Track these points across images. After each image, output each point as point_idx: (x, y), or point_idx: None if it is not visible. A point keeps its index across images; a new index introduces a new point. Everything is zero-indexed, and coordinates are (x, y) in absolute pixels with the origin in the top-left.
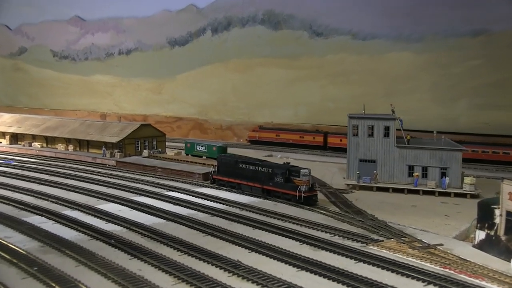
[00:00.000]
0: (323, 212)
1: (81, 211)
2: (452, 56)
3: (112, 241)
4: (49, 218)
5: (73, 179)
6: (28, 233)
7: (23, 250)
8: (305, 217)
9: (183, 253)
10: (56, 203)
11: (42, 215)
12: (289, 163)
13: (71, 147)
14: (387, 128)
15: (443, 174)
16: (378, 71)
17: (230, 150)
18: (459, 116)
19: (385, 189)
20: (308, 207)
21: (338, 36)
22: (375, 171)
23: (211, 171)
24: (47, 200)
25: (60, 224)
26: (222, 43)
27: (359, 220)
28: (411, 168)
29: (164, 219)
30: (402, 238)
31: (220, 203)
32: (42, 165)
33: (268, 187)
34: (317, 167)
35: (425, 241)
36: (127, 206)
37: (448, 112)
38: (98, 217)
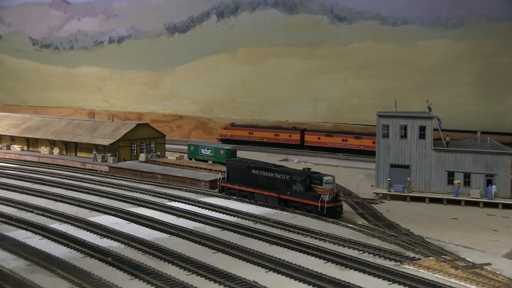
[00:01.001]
0: (349, 225)
1: (72, 224)
2: (498, 44)
3: (109, 259)
4: (35, 233)
5: (60, 187)
6: (13, 250)
7: (7, 269)
8: (329, 231)
9: (190, 273)
10: (42, 215)
11: (27, 229)
12: (310, 168)
13: (56, 151)
14: (422, 128)
15: (489, 182)
16: (410, 61)
17: (239, 154)
18: (507, 114)
19: (421, 199)
20: (332, 220)
21: (364, 21)
22: (408, 178)
23: (219, 178)
24: (32, 211)
25: (48, 239)
26: (229, 30)
27: (392, 235)
28: (451, 175)
29: (167, 233)
30: (443, 256)
31: (231, 215)
32: (23, 171)
33: (285, 196)
34: (340, 173)
35: (470, 260)
36: (123, 218)
37: (493, 109)
38: (91, 231)
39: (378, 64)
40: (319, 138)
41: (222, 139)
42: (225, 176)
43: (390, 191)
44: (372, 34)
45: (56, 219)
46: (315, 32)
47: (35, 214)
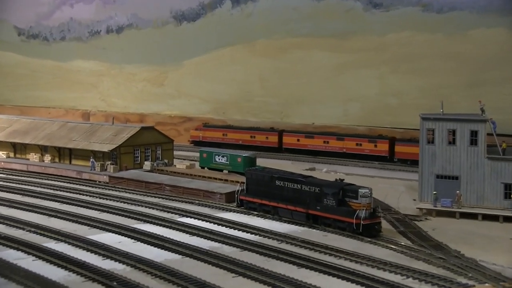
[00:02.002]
0: (389, 245)
1: (69, 243)
2: None
3: (114, 283)
4: (28, 253)
5: (54, 200)
6: (3, 273)
7: None
8: (366, 252)
9: None
10: (34, 232)
11: (18, 249)
12: (343, 179)
13: (47, 158)
14: (474, 133)
15: None
16: (459, 54)
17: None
18: None
19: (473, 216)
20: (369, 239)
21: (403, 7)
22: (458, 191)
23: (238, 190)
24: (23, 229)
25: (43, 260)
26: (245, 18)
27: (440, 258)
28: (508, 188)
29: (179, 254)
30: (501, 283)
31: (252, 233)
32: (10, 182)
33: (315, 211)
34: (378, 185)
35: None
36: (128, 236)
37: None
38: (91, 251)
39: (421, 58)
40: (298, 140)
41: (194, 141)
42: (244, 188)
43: (436, 206)
44: (413, 23)
45: (51, 237)
46: (346, 20)
47: (27, 231)
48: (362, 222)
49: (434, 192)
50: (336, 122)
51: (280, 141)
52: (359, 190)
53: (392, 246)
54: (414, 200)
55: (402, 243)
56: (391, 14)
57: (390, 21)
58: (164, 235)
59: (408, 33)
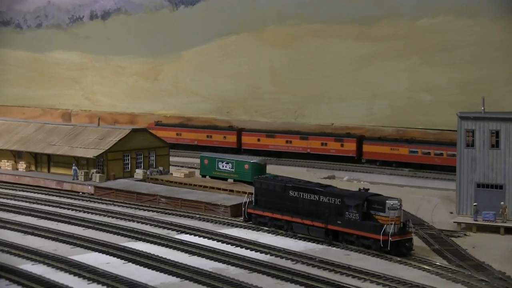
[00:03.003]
0: (422, 266)
1: (48, 264)
2: None
3: None
4: (1, 276)
5: (30, 215)
6: None
7: None
8: (395, 273)
9: None
10: (8, 252)
11: None
12: (368, 189)
13: (22, 165)
14: None
15: None
16: (505, 43)
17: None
18: None
19: None
20: (399, 259)
21: None
22: (502, 203)
23: (245, 203)
24: None
25: (19, 285)
26: (253, 2)
27: (481, 280)
28: None
29: (177, 276)
30: None
31: (262, 252)
32: None
33: (335, 226)
34: (408, 196)
35: None
36: (117, 256)
37: None
38: (75, 274)
39: (459, 47)
40: (258, 140)
41: None
42: (253, 199)
43: (476, 220)
44: (449, 6)
45: (28, 258)
46: (371, 3)
47: None
48: (390, 238)
49: (475, 204)
50: (359, 123)
51: (239, 141)
52: (387, 201)
53: (426, 267)
54: (451, 213)
55: (437, 263)
56: None
57: (422, 4)
58: (160, 255)
59: (444, 18)
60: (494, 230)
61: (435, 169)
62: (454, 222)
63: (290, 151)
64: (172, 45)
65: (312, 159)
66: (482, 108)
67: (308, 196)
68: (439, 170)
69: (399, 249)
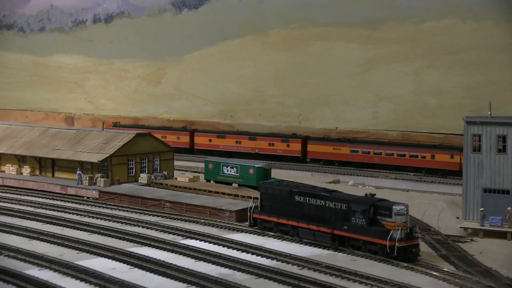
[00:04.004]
0: (429, 272)
1: (55, 270)
2: None
3: None
4: (8, 282)
5: (35, 220)
6: None
7: None
8: (402, 279)
9: None
10: (14, 257)
11: None
12: (374, 194)
13: (26, 170)
14: None
15: None
16: (510, 46)
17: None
18: None
19: None
20: (406, 264)
21: None
22: (509, 208)
23: (250, 207)
24: (0, 253)
25: None
26: (257, 4)
27: (489, 286)
28: None
29: (184, 282)
30: None
31: (267, 258)
32: None
33: (341, 232)
34: (414, 201)
35: None
36: (123, 262)
37: None
38: (81, 279)
39: (464, 51)
40: (210, 140)
41: None
42: (258, 204)
43: (483, 226)
44: (455, 9)
45: (34, 263)
46: (377, 6)
47: (5, 256)
48: (397, 244)
49: (481, 209)
50: (364, 127)
51: (191, 141)
52: (394, 206)
53: (433, 273)
54: (457, 218)
55: (445, 269)
56: None
57: (428, 6)
58: (166, 260)
59: (450, 20)
60: (501, 235)
61: (375, 167)
62: (461, 227)
63: (239, 151)
64: (175, 48)
65: (260, 159)
66: (489, 112)
67: (314, 201)
68: (378, 169)
69: (406, 255)
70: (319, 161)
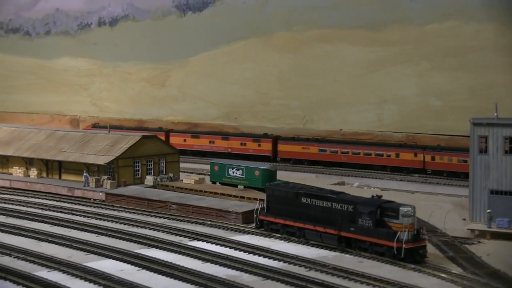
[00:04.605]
0: (437, 274)
1: (64, 271)
2: None
3: None
4: (18, 283)
5: (43, 222)
6: None
7: None
8: (409, 281)
9: None
10: (23, 259)
11: (5, 279)
12: (381, 196)
13: (33, 172)
14: None
15: None
16: None
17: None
18: None
19: None
20: (413, 266)
21: None
22: None
23: (257, 209)
24: (9, 255)
25: None
26: (261, 7)
27: None
28: None
29: (192, 283)
30: None
31: (274, 259)
32: None
33: (348, 233)
34: (420, 202)
35: None
36: (131, 263)
37: None
38: (90, 281)
39: (469, 52)
40: (185, 140)
41: None
42: (265, 206)
43: (490, 227)
44: (459, 10)
45: (43, 265)
46: (381, 8)
47: (14, 258)
48: (404, 245)
49: (488, 211)
50: (368, 128)
51: (167, 141)
52: (400, 208)
53: (441, 274)
54: (464, 220)
55: (452, 271)
56: (434, 1)
57: (432, 8)
58: (173, 262)
59: (454, 22)
60: (509, 237)
61: (342, 166)
62: (468, 229)
63: (213, 150)
64: (179, 51)
65: (233, 158)
66: (495, 114)
67: (321, 203)
68: (345, 167)
69: (413, 256)
70: (289, 160)
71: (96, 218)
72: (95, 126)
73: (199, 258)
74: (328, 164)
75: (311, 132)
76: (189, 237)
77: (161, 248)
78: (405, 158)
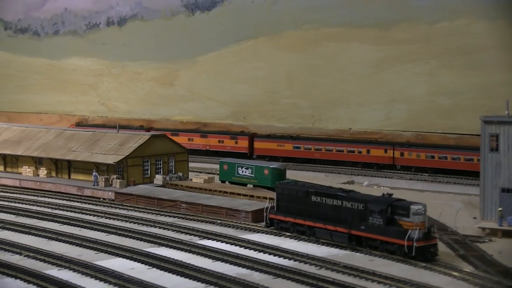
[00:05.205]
0: (448, 272)
1: (74, 270)
2: None
3: None
4: (28, 282)
5: (53, 221)
6: None
7: None
8: (420, 279)
9: None
10: (33, 258)
11: (16, 277)
12: (391, 194)
13: (43, 171)
14: None
15: None
16: None
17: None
18: None
19: None
20: (424, 264)
21: None
22: None
23: (266, 208)
24: (20, 253)
25: None
26: (269, 6)
27: (510, 287)
28: None
29: (202, 282)
30: None
31: (285, 257)
32: (1, 200)
33: (358, 232)
34: (430, 201)
35: None
36: (142, 262)
37: None
38: (101, 279)
39: (479, 50)
40: None
41: None
42: (274, 204)
43: (501, 225)
44: (469, 9)
45: (53, 264)
46: (390, 6)
47: (24, 256)
48: (415, 244)
49: (500, 209)
50: (377, 127)
51: None
52: (411, 206)
53: (452, 273)
54: (475, 218)
55: (464, 269)
56: None
57: (441, 6)
58: (183, 260)
59: (463, 21)
60: None
61: (315, 163)
62: (479, 227)
63: (192, 148)
64: (188, 50)
65: (211, 155)
66: (506, 112)
67: (331, 201)
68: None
69: (424, 255)
70: (265, 157)
71: (106, 217)
72: (79, 124)
73: (209, 257)
74: (302, 161)
75: (320, 131)
76: (199, 236)
77: (171, 246)
78: (376, 154)
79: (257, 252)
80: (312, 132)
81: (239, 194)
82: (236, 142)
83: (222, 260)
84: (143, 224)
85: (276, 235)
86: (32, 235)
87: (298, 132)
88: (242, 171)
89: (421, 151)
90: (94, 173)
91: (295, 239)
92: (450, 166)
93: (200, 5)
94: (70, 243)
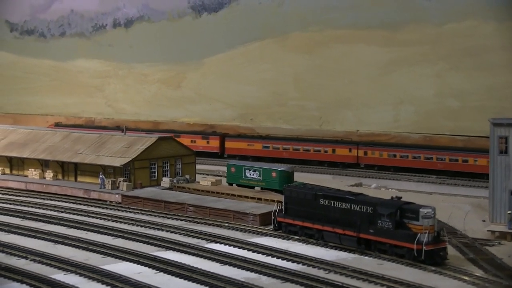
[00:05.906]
0: (458, 276)
1: (81, 274)
2: None
3: None
4: (34, 286)
5: (59, 224)
6: None
7: None
8: (430, 283)
9: None
10: (40, 262)
11: (22, 282)
12: (400, 197)
13: (49, 174)
14: None
15: None
16: None
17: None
18: None
19: None
20: (434, 268)
21: None
22: None
23: (274, 211)
24: (26, 257)
25: None
26: (277, 8)
27: None
28: None
29: (210, 286)
30: None
31: (293, 261)
32: (7, 203)
33: (367, 235)
34: (438, 204)
35: None
36: (149, 266)
37: None
38: (107, 284)
39: (487, 52)
40: None
41: None
42: (283, 207)
43: (511, 229)
44: (477, 10)
45: (59, 268)
46: (397, 8)
47: (30, 260)
48: (424, 247)
49: (509, 212)
50: (385, 129)
51: None
52: (421, 209)
53: (462, 277)
54: (484, 221)
55: (474, 273)
56: (451, 0)
57: (449, 8)
58: (191, 264)
59: (472, 22)
60: None
61: (284, 162)
62: (488, 230)
63: None
64: (195, 52)
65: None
66: None
67: (340, 204)
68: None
69: (433, 259)
70: (235, 157)
71: (113, 220)
72: (58, 125)
73: (217, 261)
74: (271, 160)
75: (328, 133)
76: (207, 239)
77: (178, 250)
78: (341, 153)
79: (265, 255)
80: (319, 134)
81: (247, 197)
82: (208, 142)
83: (230, 264)
84: (150, 228)
85: (284, 239)
86: (38, 238)
87: (306, 134)
88: (250, 174)
89: (384, 150)
90: (100, 176)
91: (304, 242)
92: (411, 164)
93: (207, 6)
94: (77, 246)
